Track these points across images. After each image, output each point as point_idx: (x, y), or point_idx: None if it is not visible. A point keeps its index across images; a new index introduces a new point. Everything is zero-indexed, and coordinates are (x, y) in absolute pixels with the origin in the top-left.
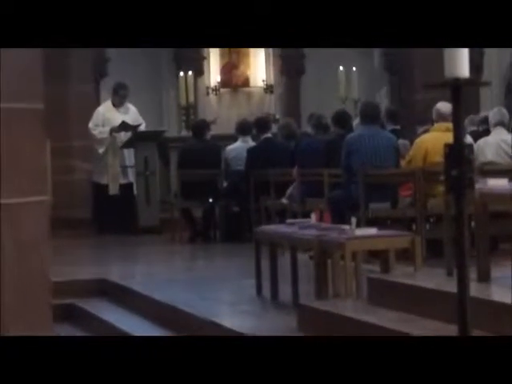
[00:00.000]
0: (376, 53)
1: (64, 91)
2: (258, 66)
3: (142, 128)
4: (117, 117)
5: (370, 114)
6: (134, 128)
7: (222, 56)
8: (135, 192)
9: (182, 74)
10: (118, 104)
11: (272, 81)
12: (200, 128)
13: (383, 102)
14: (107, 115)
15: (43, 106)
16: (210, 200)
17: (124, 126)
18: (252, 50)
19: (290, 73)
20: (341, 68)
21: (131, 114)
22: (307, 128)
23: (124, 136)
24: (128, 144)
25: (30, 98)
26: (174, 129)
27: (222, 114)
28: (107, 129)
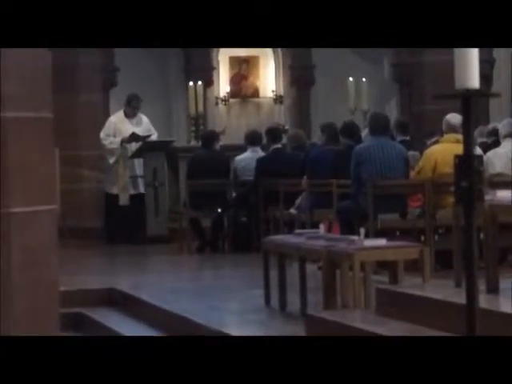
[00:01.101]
0: (386, 63)
1: (73, 100)
2: (268, 76)
3: (154, 138)
4: (129, 128)
5: (379, 125)
6: (144, 139)
7: (231, 66)
8: (143, 202)
9: (191, 84)
10: (130, 115)
11: (282, 91)
12: (209, 138)
13: (393, 112)
14: (119, 126)
15: (52, 115)
16: (219, 210)
17: (134, 137)
18: (262, 61)
19: (299, 83)
20: (350, 79)
21: (144, 125)
22: (316, 138)
23: (134, 146)
24: (137, 154)
25: (40, 107)
26: (183, 139)
27: (231, 124)
28: (118, 139)
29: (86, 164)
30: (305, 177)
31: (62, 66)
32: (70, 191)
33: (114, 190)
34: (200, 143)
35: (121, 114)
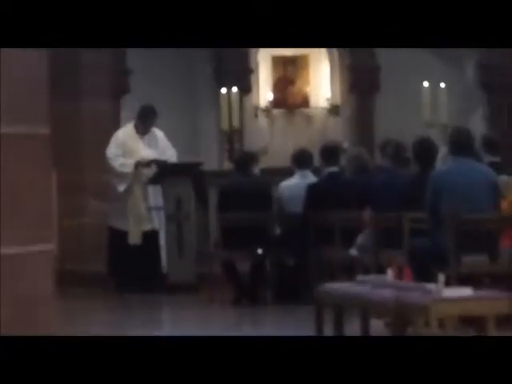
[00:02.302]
0: (470, 64)
1: (75, 110)
2: (321, 80)
3: (172, 158)
4: (141, 147)
5: (462, 143)
6: (165, 164)
7: (274, 69)
8: (161, 241)
9: (224, 90)
10: (142, 131)
11: (338, 100)
12: (246, 160)
13: (479, 127)
14: (129, 144)
15: (49, 130)
16: (259, 251)
17: (155, 163)
18: (312, 61)
19: (361, 90)
20: (425, 84)
21: (160, 144)
22: (382, 160)
23: (151, 170)
24: (155, 179)
25: (33, 121)
26: (213, 160)
27: (274, 142)
28: (131, 161)
29: (90, 192)
30: (368, 208)
31: (60, 66)
32: (70, 227)
33: (123, 225)
34: (234, 166)
35: (130, 128)
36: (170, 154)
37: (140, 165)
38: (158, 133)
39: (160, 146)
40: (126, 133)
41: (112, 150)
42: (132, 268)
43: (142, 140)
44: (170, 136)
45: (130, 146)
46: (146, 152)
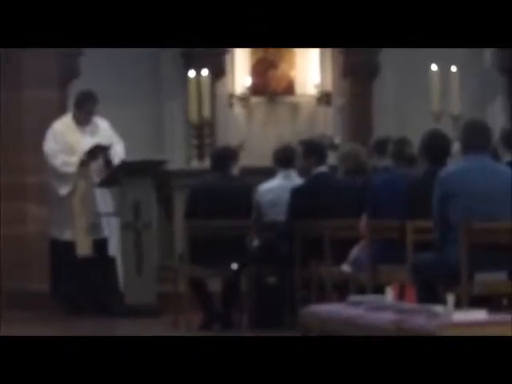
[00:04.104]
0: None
1: (14, 99)
2: (309, 63)
3: (119, 152)
4: (82, 140)
5: (477, 138)
6: (107, 150)
7: (253, 49)
8: (111, 252)
9: (192, 74)
10: (82, 121)
11: (329, 86)
12: (225, 157)
13: (497, 119)
14: (69, 138)
15: None
16: (234, 266)
17: (96, 150)
18: None
19: (357, 74)
20: (434, 67)
21: (102, 134)
22: (381, 158)
23: (96, 167)
24: (109, 181)
25: None
26: (179, 158)
27: (252, 136)
28: (75, 159)
29: (32, 196)
30: (364, 216)
31: None
32: (8, 237)
33: (66, 235)
34: (208, 164)
35: (68, 118)
36: (119, 149)
37: (84, 161)
38: (102, 123)
39: (104, 136)
40: (63, 124)
41: (51, 146)
42: (81, 286)
43: (82, 131)
44: (128, 129)
45: (70, 140)
46: (89, 141)
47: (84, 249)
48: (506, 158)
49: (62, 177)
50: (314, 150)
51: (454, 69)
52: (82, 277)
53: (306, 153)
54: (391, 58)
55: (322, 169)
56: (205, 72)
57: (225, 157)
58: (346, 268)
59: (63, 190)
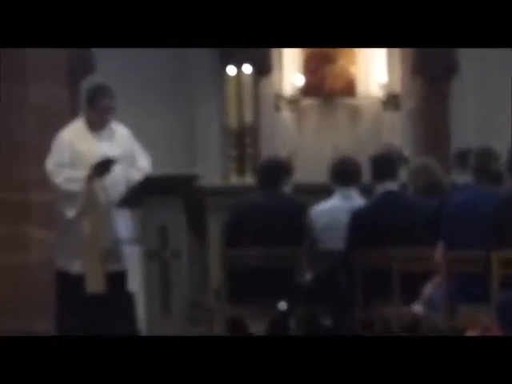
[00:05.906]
0: None
1: (18, 97)
2: (373, 59)
3: (142, 166)
4: (96, 147)
5: None
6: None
7: None
8: (130, 287)
9: (232, 71)
10: (96, 123)
11: (398, 87)
12: (274, 171)
13: None
14: (78, 146)
15: None
16: (282, 305)
17: (105, 163)
18: None
19: (430, 73)
20: None
21: (119, 141)
22: (461, 174)
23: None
24: (129, 200)
25: None
26: (215, 172)
27: (304, 146)
28: (80, 174)
29: (37, 217)
30: (440, 244)
31: None
32: (6, 266)
33: (75, 267)
34: (252, 180)
35: (79, 123)
36: (141, 164)
37: (92, 175)
38: (121, 129)
39: (121, 144)
40: (73, 131)
41: (54, 160)
42: (93, 329)
43: (97, 137)
44: (151, 138)
45: (81, 149)
46: (104, 150)
47: (96, 284)
48: None
49: (67, 196)
50: (382, 165)
51: None
52: (94, 317)
53: (373, 169)
54: (471, 53)
55: (390, 186)
56: (247, 69)
57: (274, 170)
58: (417, 308)
59: (70, 212)
